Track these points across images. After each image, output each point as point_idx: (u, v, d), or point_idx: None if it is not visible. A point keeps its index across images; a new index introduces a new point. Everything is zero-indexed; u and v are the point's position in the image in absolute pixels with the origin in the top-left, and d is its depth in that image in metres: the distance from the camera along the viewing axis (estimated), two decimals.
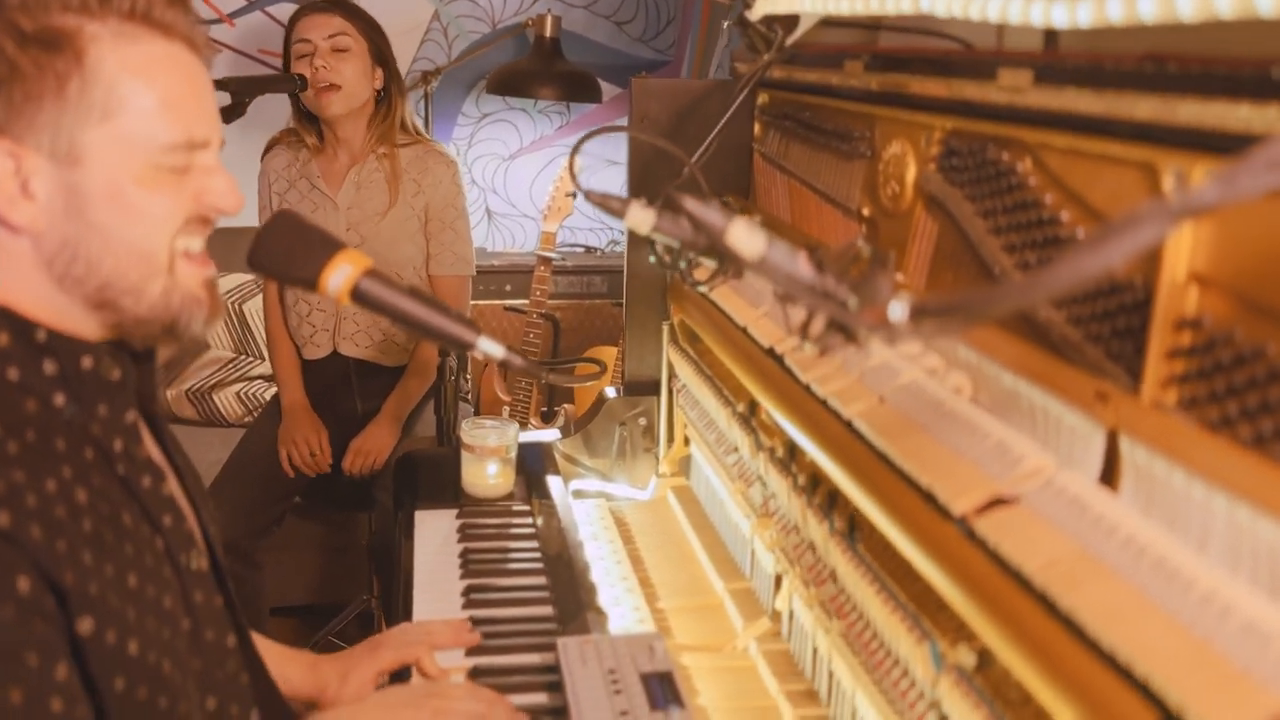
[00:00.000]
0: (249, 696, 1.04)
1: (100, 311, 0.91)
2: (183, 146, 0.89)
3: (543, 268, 3.12)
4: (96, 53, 0.85)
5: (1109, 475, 0.85)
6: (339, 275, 0.95)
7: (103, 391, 0.91)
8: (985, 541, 0.82)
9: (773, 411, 1.25)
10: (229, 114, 1.99)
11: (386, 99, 2.38)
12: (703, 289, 1.41)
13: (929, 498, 0.90)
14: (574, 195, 3.12)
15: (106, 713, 0.85)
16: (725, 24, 1.63)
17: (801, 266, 0.81)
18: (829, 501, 1.14)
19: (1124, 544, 0.74)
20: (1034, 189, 0.99)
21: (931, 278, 1.16)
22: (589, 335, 3.43)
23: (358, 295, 0.96)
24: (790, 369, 1.21)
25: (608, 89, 3.46)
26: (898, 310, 0.68)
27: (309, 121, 2.40)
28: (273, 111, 2.59)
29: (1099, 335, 0.89)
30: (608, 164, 3.67)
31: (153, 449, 1.00)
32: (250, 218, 3.33)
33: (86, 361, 0.90)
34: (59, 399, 0.88)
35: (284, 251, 0.95)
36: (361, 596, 2.68)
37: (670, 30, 3.57)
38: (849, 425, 1.06)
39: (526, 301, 3.21)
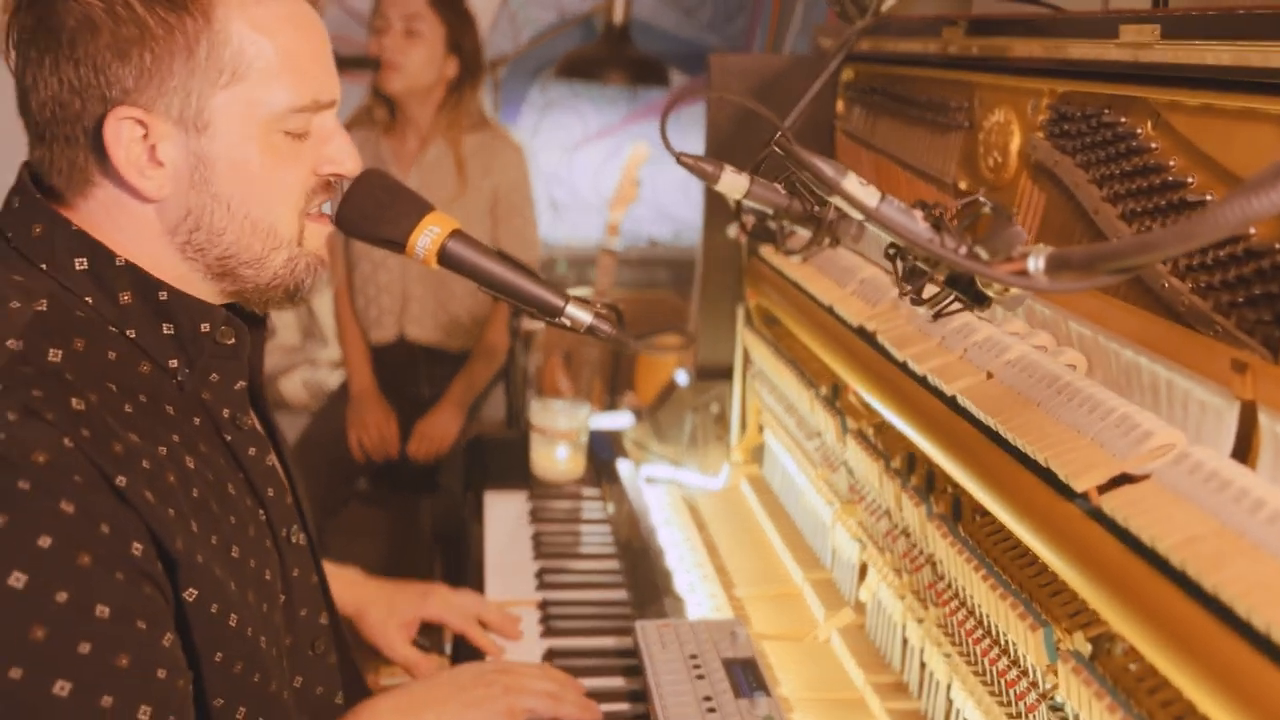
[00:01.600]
0: (336, 678, 1.02)
1: (221, 280, 0.90)
2: (309, 108, 0.87)
3: (607, 258, 3.09)
4: (224, 12, 0.83)
5: (1243, 450, 0.79)
6: (427, 236, 0.92)
7: (216, 358, 0.90)
8: (1113, 520, 0.76)
9: (863, 392, 1.19)
10: None
11: (459, 87, 2.36)
12: (795, 259, 1.36)
13: (1046, 476, 0.85)
14: (639, 183, 3.09)
15: (204, 685, 0.83)
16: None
17: (919, 223, 0.76)
18: (926, 484, 1.09)
19: (1270, 520, 0.68)
20: (1158, 152, 0.93)
21: None
22: (653, 326, 3.39)
23: (444, 257, 0.93)
24: (883, 347, 1.16)
25: (676, 77, 3.42)
26: (1035, 262, 0.64)
27: (383, 98, 2.40)
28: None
29: (1231, 304, 0.83)
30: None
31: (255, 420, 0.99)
32: None
33: (204, 326, 0.88)
34: (173, 362, 0.87)
35: (373, 210, 0.92)
36: (427, 580, 2.66)
37: (740, 18, 3.52)
38: (951, 403, 1.01)
39: (589, 292, 3.18)
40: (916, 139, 1.38)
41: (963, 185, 1.26)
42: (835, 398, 1.35)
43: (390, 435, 2.41)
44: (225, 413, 0.91)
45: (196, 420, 0.88)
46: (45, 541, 0.73)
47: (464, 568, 1.55)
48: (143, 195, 0.84)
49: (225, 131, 0.84)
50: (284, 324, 3.10)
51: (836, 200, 0.75)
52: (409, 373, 2.48)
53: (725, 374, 1.82)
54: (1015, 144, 1.15)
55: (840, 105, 1.67)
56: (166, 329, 0.87)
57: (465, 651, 1.29)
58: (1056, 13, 1.11)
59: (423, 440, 2.39)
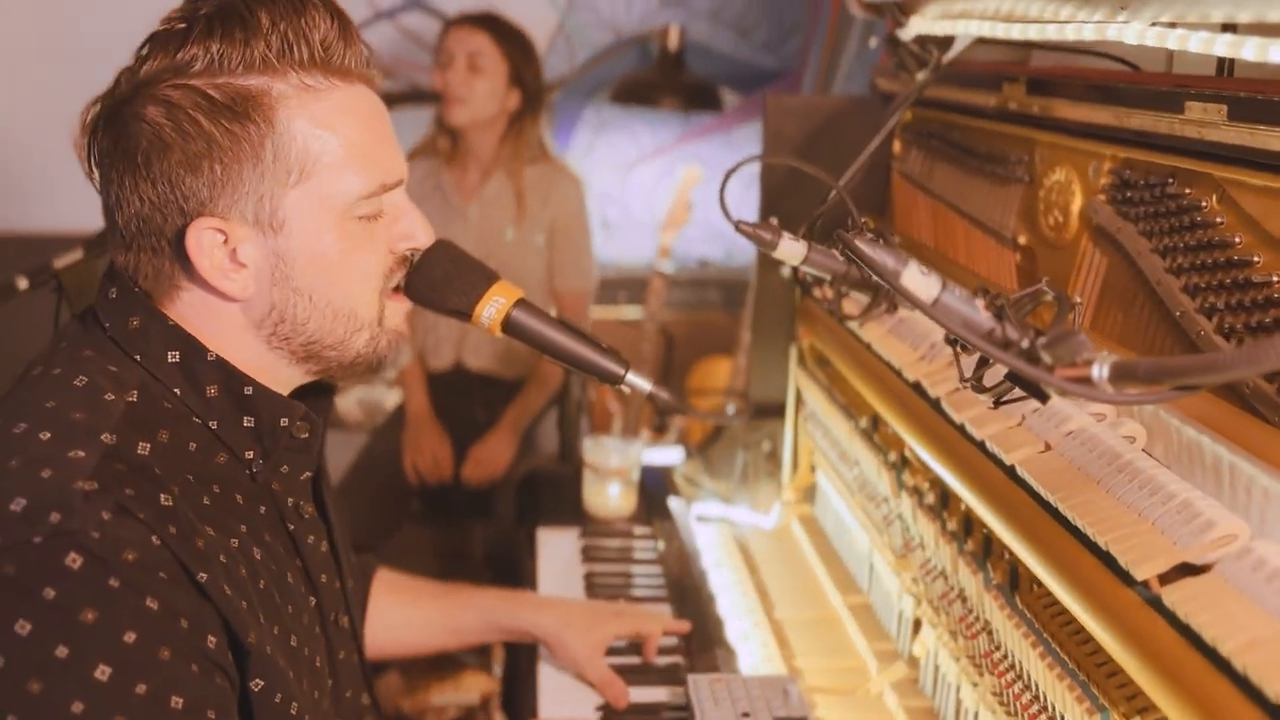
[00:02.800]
0: None
1: (306, 362, 0.93)
2: (378, 192, 0.90)
3: (658, 280, 3.10)
4: (285, 113, 0.85)
5: None
6: (492, 307, 0.95)
7: (290, 450, 0.93)
8: (1174, 613, 0.76)
9: (919, 449, 1.19)
10: None
11: (520, 119, 2.40)
12: (853, 325, 1.35)
13: (1105, 558, 0.84)
14: (692, 206, 3.10)
15: None
16: (872, 41, 1.57)
17: (980, 313, 0.76)
18: (984, 549, 1.09)
19: None
20: (1222, 228, 0.92)
21: (1099, 315, 1.10)
22: (702, 347, 3.40)
23: (509, 326, 0.95)
24: (941, 406, 1.16)
25: (729, 97, 3.43)
26: (1100, 370, 0.64)
27: (446, 129, 2.44)
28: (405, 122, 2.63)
29: None
30: (724, 172, 3.63)
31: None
32: None
33: (283, 421, 0.91)
34: (249, 453, 0.90)
35: (441, 281, 0.94)
36: None
37: (794, 39, 3.51)
38: (1009, 470, 1.00)
39: (641, 312, 3.20)
40: (974, 188, 1.37)
41: (1022, 240, 1.25)
42: (889, 449, 1.35)
43: (444, 459, 2.44)
44: (290, 502, 0.95)
45: (263, 509, 0.92)
46: (130, 637, 0.76)
47: None
48: (228, 296, 0.88)
49: (301, 227, 0.87)
50: None
51: (898, 290, 0.75)
52: (464, 398, 2.52)
53: (777, 411, 1.82)
54: (1076, 205, 1.14)
55: (897, 146, 1.67)
56: (247, 421, 0.90)
57: (515, 670, 1.33)
58: (1122, 73, 1.10)
59: (477, 465, 2.42)
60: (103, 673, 0.75)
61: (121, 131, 0.84)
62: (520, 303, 0.96)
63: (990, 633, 1.05)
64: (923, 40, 1.32)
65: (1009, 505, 0.99)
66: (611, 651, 1.32)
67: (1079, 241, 1.13)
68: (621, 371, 0.98)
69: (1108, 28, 0.87)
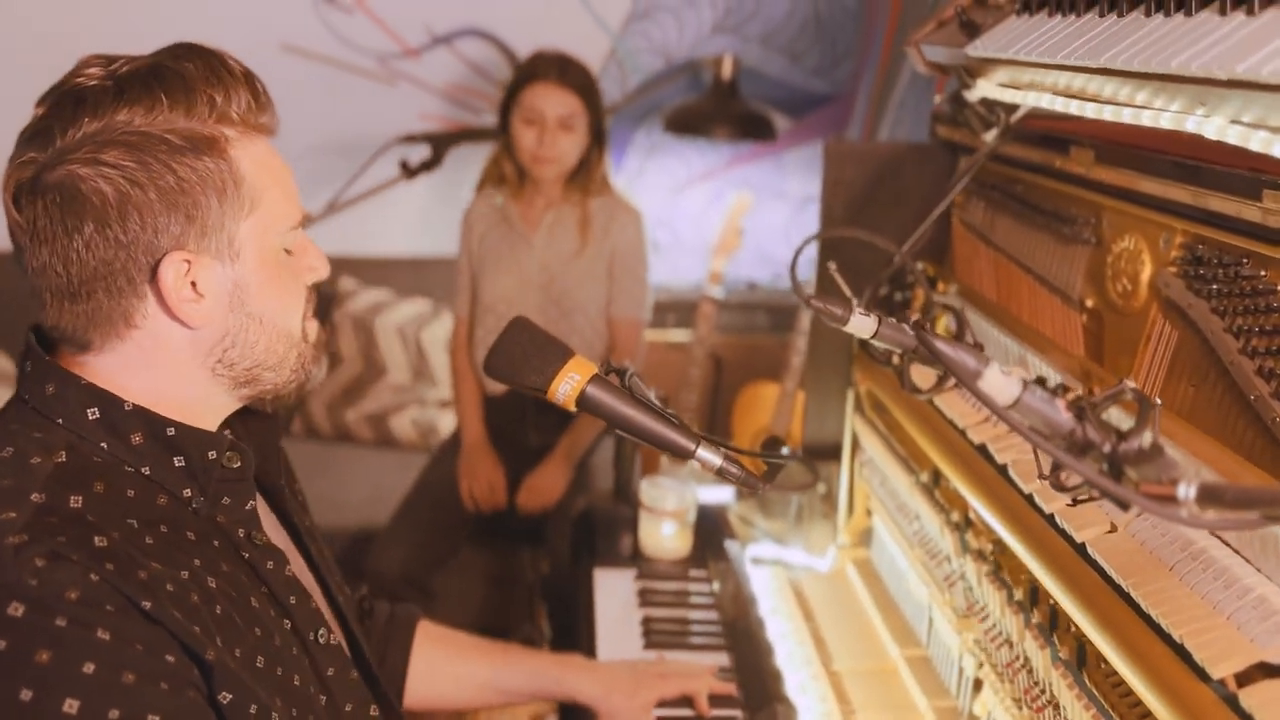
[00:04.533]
0: None
1: (244, 387, 1.00)
2: (299, 225, 0.99)
3: (708, 305, 3.12)
4: (235, 153, 0.93)
5: None
6: (568, 384, 0.97)
7: (226, 482, 0.98)
8: (1253, 718, 0.76)
9: (984, 513, 1.20)
10: (428, 166, 2.06)
11: (588, 157, 2.43)
12: (926, 397, 1.36)
13: (1179, 650, 0.85)
14: (742, 232, 3.11)
15: None
16: (938, 98, 1.57)
17: (1061, 413, 0.77)
18: (1050, 621, 1.09)
19: None
20: None
21: (1168, 386, 1.10)
22: (750, 371, 3.40)
23: (583, 402, 0.97)
24: (1008, 474, 1.16)
25: (780, 121, 3.43)
26: (1186, 490, 0.64)
27: (511, 161, 2.48)
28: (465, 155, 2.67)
29: None
30: (774, 196, 3.64)
31: (275, 530, 1.07)
32: (432, 248, 3.45)
33: (211, 454, 0.96)
34: (187, 491, 0.95)
35: (519, 358, 0.97)
36: (523, 628, 2.73)
37: (846, 64, 3.51)
38: (1079, 546, 1.01)
39: (690, 336, 3.21)
40: (1039, 244, 1.37)
41: (1089, 303, 1.25)
42: (952, 508, 1.36)
43: (499, 487, 2.48)
44: (241, 532, 0.99)
45: (216, 542, 0.96)
46: (89, 668, 0.80)
47: (574, 635, 1.60)
48: (187, 325, 0.93)
49: (251, 255, 0.95)
50: (395, 364, 3.20)
51: (977, 393, 0.76)
52: (518, 424, 2.55)
53: (833, 452, 1.83)
54: (1146, 274, 1.14)
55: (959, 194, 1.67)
56: (178, 462, 0.94)
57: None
58: (1194, 156, 1.09)
59: (531, 493, 2.46)
60: (70, 706, 0.79)
61: (72, 189, 0.88)
62: (594, 379, 0.98)
63: (1056, 707, 1.05)
64: (988, 101, 1.32)
65: (1078, 583, 1.00)
66: (663, 704, 1.34)
67: (1148, 311, 1.13)
68: (692, 447, 0.99)
69: (1186, 120, 0.87)
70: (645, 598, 1.64)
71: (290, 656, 0.99)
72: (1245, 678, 0.80)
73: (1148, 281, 1.13)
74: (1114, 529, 0.98)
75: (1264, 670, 0.79)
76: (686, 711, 1.36)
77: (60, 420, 0.92)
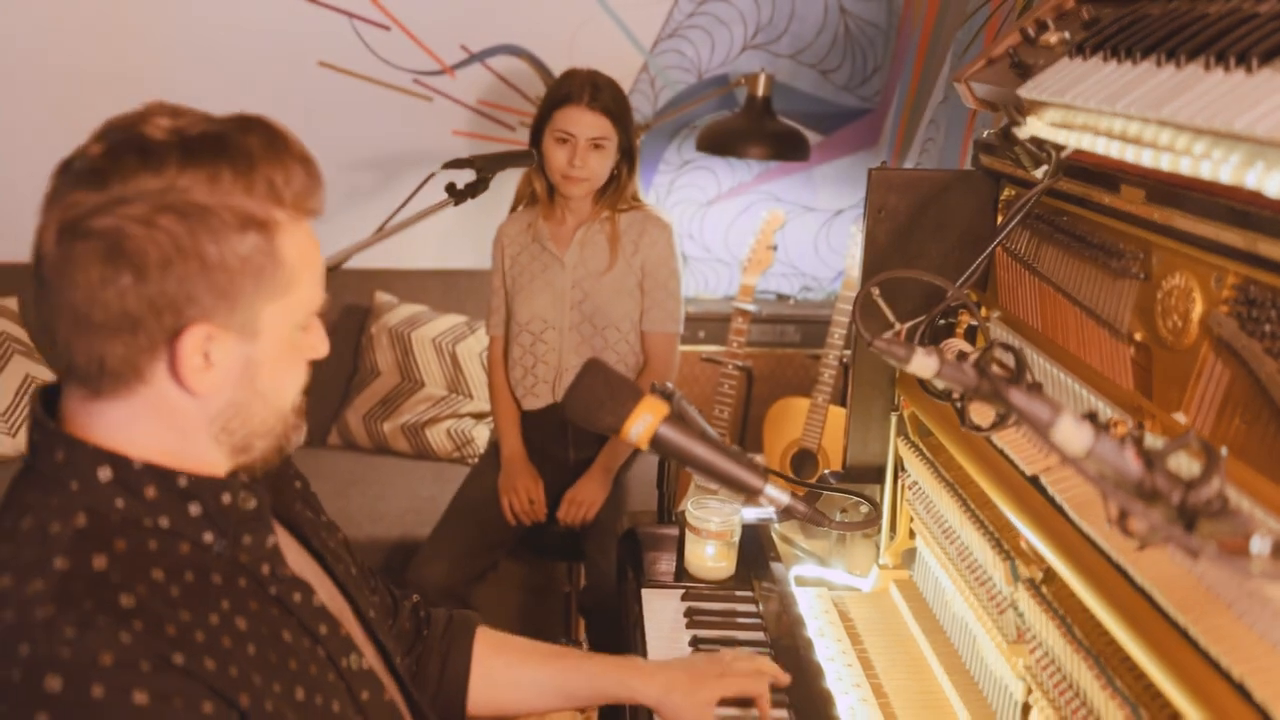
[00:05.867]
0: None
1: (237, 455, 1.01)
2: (319, 309, 1.01)
3: (740, 319, 3.15)
4: (282, 239, 0.94)
5: None
6: (640, 424, 1.00)
7: (244, 523, 1.00)
8: None
9: (1037, 544, 1.22)
10: (473, 189, 2.10)
11: (618, 174, 2.47)
12: (984, 435, 1.38)
13: (1239, 688, 0.87)
14: (774, 248, 3.14)
15: None
16: (986, 132, 1.60)
17: (1130, 462, 0.80)
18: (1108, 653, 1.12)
19: None
20: None
21: (1219, 423, 1.12)
22: (781, 385, 3.44)
23: (655, 443, 1.01)
24: (1061, 506, 1.19)
25: (811, 136, 3.46)
26: (1260, 546, 0.67)
27: (543, 179, 2.53)
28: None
29: None
30: (804, 210, 3.67)
31: (300, 559, 1.10)
32: (460, 260, 3.49)
33: (225, 498, 0.99)
34: (207, 537, 0.98)
35: (594, 401, 1.00)
36: (560, 640, 2.77)
37: (876, 78, 3.53)
38: (1135, 581, 1.03)
39: (722, 350, 3.24)
40: (1085, 276, 1.39)
41: (1138, 337, 1.27)
42: (1002, 535, 1.38)
43: (539, 501, 2.52)
44: (265, 569, 1.01)
45: (241, 582, 0.98)
46: None
47: (619, 651, 1.63)
48: (193, 393, 0.94)
49: (270, 336, 0.96)
50: (431, 378, 3.24)
51: (1049, 443, 0.79)
52: (558, 439, 2.60)
53: (876, 474, 1.86)
54: (1197, 313, 1.16)
55: (1002, 221, 1.69)
56: (194, 509, 0.96)
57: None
58: (1246, 200, 1.12)
59: (571, 506, 2.50)
60: None
61: (119, 241, 0.88)
62: (666, 419, 1.02)
63: None
64: (1037, 139, 1.35)
65: (1135, 616, 1.02)
66: (724, 702, 1.39)
67: (1199, 349, 1.15)
68: (760, 485, 1.03)
69: (1247, 174, 0.90)
70: (692, 619, 1.67)
71: (328, 683, 1.02)
72: None
73: (1199, 319, 1.16)
74: (1171, 560, 1.01)
75: None
76: (748, 710, 1.39)
77: (74, 485, 0.93)
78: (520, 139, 3.40)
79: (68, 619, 0.85)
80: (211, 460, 1.01)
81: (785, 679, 1.43)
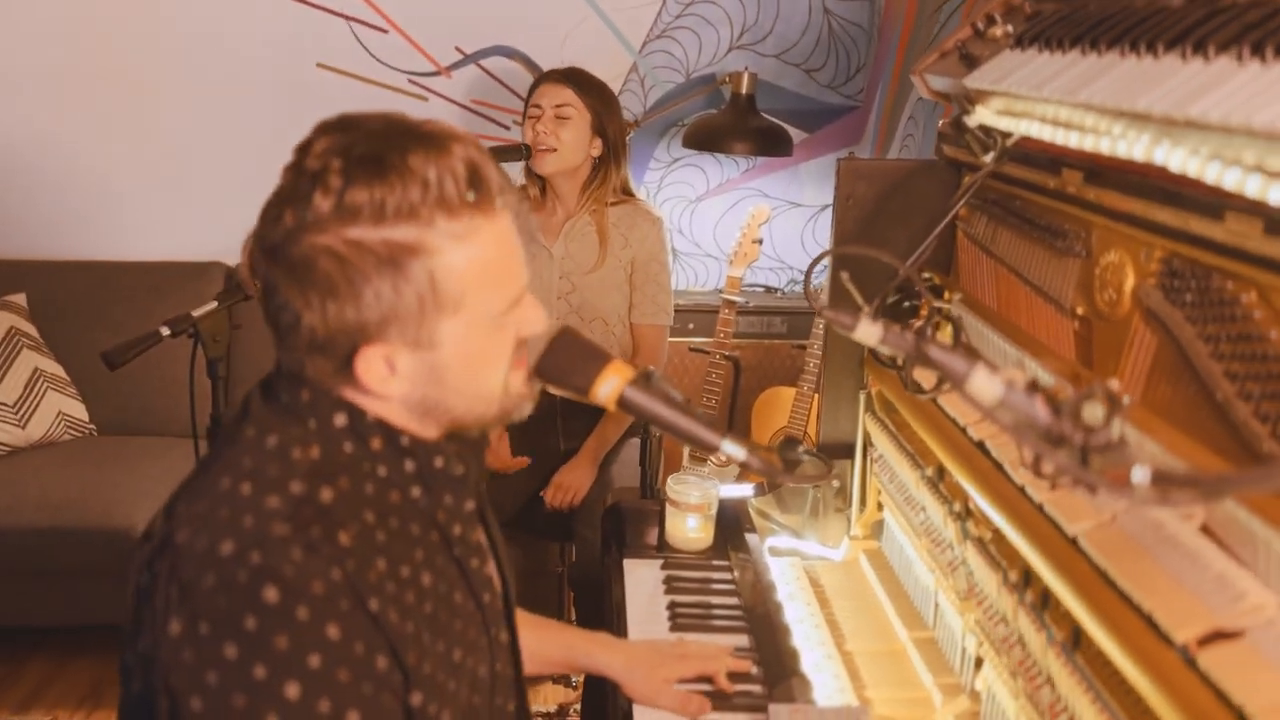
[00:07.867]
0: None
1: (447, 428, 1.09)
2: (512, 305, 1.04)
3: (727, 310, 3.23)
4: (440, 260, 0.97)
5: None
6: (608, 385, 1.09)
7: (449, 485, 1.09)
8: (1208, 674, 0.87)
9: (983, 505, 1.31)
10: None
11: (603, 166, 2.56)
12: (929, 397, 1.47)
13: (1150, 622, 0.96)
14: (760, 242, 3.23)
15: None
16: (941, 122, 1.69)
17: (1039, 411, 0.88)
18: (1041, 601, 1.20)
19: None
20: (1259, 323, 1.03)
21: (1149, 388, 1.21)
22: (768, 375, 3.52)
23: (623, 402, 1.10)
24: (1004, 468, 1.27)
25: (795, 134, 3.55)
26: (1140, 474, 0.76)
27: (535, 178, 2.62)
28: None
29: None
30: (790, 205, 3.75)
31: (475, 530, 1.17)
32: None
33: (439, 461, 1.07)
34: (415, 491, 1.06)
35: (566, 364, 1.09)
36: (551, 614, 2.86)
37: (860, 77, 3.62)
38: (1064, 530, 1.12)
39: (709, 341, 3.33)
40: (1036, 257, 1.48)
41: (1080, 310, 1.36)
42: (954, 499, 1.47)
43: (505, 454, 2.64)
44: (456, 529, 1.09)
45: (434, 536, 1.06)
46: (315, 661, 0.91)
47: (603, 621, 1.72)
48: (383, 398, 1.02)
49: (453, 343, 1.00)
50: None
51: (965, 395, 0.87)
52: (548, 427, 2.68)
53: (847, 451, 1.94)
54: (1129, 285, 1.25)
55: (963, 208, 1.78)
56: (409, 465, 1.05)
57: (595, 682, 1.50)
58: (1175, 181, 1.20)
59: (558, 490, 2.59)
60: (292, 691, 0.90)
61: (302, 263, 0.95)
62: (632, 381, 1.10)
63: (1052, 684, 1.16)
64: (985, 127, 1.43)
65: (1068, 566, 1.11)
66: (684, 681, 1.47)
67: (1131, 319, 1.24)
68: (717, 441, 1.11)
69: (1155, 151, 0.99)
70: (671, 585, 1.76)
71: (481, 649, 1.10)
72: (1207, 644, 0.91)
73: (1130, 292, 1.24)
74: (1114, 519, 1.10)
75: (1223, 637, 0.90)
76: (708, 685, 1.48)
77: (312, 423, 1.02)
78: (514, 138, 3.49)
79: (298, 541, 0.93)
80: (425, 430, 1.08)
81: (746, 667, 1.51)
